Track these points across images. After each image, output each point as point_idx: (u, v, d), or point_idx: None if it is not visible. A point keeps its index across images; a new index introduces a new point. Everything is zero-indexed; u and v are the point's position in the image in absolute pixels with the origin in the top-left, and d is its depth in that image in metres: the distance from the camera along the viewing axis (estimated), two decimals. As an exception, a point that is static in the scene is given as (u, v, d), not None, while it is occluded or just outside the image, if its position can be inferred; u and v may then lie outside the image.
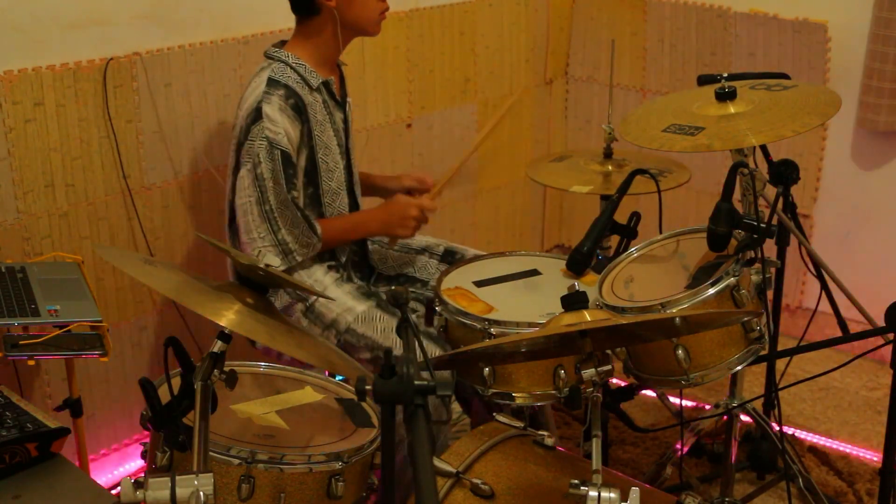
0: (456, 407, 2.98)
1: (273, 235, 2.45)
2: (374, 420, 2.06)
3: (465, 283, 2.51)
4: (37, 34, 2.57)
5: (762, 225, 2.13)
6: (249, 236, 2.46)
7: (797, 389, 3.42)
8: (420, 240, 2.82)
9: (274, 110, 2.42)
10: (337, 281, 2.59)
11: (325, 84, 2.56)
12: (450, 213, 3.82)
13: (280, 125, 2.42)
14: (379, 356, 2.44)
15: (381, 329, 2.46)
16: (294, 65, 2.50)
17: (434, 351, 2.36)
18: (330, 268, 2.61)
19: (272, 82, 2.46)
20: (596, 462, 1.67)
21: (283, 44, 2.58)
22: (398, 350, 2.38)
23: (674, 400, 3.12)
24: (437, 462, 1.96)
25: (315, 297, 2.52)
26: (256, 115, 2.43)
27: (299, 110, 2.47)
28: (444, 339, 2.40)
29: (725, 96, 2.25)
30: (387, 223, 2.62)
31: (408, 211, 2.59)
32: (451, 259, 2.74)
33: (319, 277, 2.57)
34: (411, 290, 2.72)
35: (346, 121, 2.65)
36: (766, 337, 2.16)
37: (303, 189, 2.54)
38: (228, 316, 1.70)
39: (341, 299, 2.52)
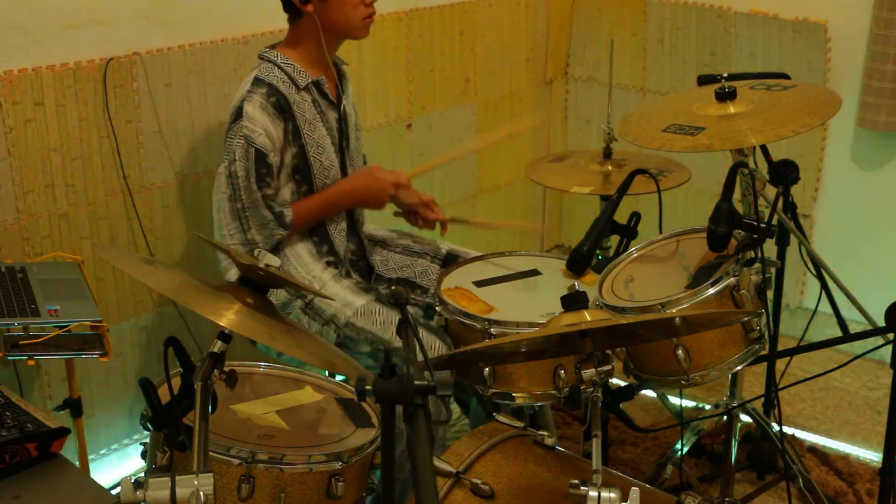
0: (455, 408, 2.98)
1: (243, 234, 2.46)
2: (374, 420, 2.06)
3: (465, 283, 2.51)
4: (37, 34, 2.57)
5: (762, 225, 2.12)
6: (220, 233, 2.47)
7: (797, 389, 3.42)
8: (424, 242, 2.82)
9: (254, 108, 2.43)
10: (335, 277, 2.59)
11: (316, 84, 2.56)
12: (450, 213, 3.80)
13: (259, 122, 2.43)
14: (378, 349, 2.44)
15: (381, 322, 2.46)
16: (282, 65, 2.51)
17: (435, 343, 2.36)
18: (328, 264, 2.61)
19: (257, 81, 2.48)
20: (596, 462, 1.67)
21: (277, 44, 2.59)
22: (398, 342, 2.38)
23: (674, 400, 3.12)
24: (437, 462, 1.96)
25: (314, 294, 2.52)
26: (237, 113, 2.45)
27: (281, 108, 2.47)
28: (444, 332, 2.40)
29: (725, 96, 2.25)
30: (360, 199, 2.66)
31: (385, 190, 2.64)
32: (452, 264, 2.73)
33: (318, 274, 2.57)
34: (411, 297, 2.72)
35: (340, 120, 2.65)
36: (766, 337, 2.16)
37: (296, 187, 2.55)
38: (228, 316, 1.70)
39: (340, 294, 2.52)
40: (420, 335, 2.33)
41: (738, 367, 2.15)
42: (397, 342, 2.39)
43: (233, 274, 1.85)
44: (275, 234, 2.50)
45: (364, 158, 2.87)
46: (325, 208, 2.61)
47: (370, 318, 2.47)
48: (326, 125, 2.59)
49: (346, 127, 2.67)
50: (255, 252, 1.84)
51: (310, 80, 2.54)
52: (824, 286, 2.53)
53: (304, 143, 2.53)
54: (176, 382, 1.76)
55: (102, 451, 2.93)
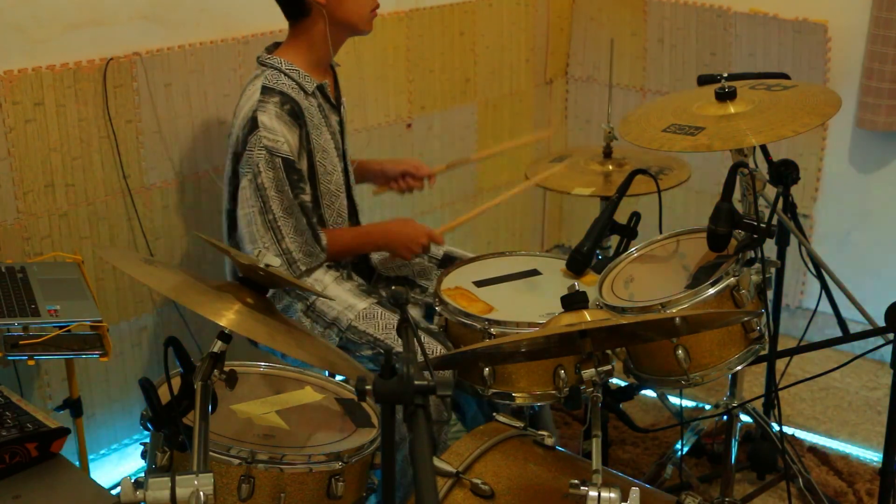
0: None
1: (277, 245, 2.45)
2: (374, 420, 2.06)
3: (465, 283, 2.51)
4: (37, 34, 2.57)
5: (762, 225, 2.13)
6: (254, 246, 2.46)
7: (797, 389, 3.42)
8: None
9: (270, 118, 2.42)
10: (337, 279, 2.59)
11: (320, 88, 2.56)
12: (450, 213, 3.82)
13: (278, 132, 2.42)
14: (380, 353, 2.44)
15: (383, 326, 2.46)
16: (287, 71, 2.49)
17: (435, 347, 2.36)
18: (329, 266, 2.61)
19: (266, 90, 2.45)
20: (596, 462, 1.68)
21: (275, 47, 2.57)
22: (400, 346, 2.39)
23: (674, 400, 3.12)
24: (437, 462, 1.96)
25: (316, 296, 2.52)
26: (252, 124, 2.42)
27: (296, 115, 2.46)
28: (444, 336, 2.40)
29: (725, 96, 2.24)
30: (392, 243, 2.63)
31: (418, 238, 2.60)
32: (450, 264, 2.73)
33: (319, 276, 2.57)
34: (411, 296, 2.72)
35: (341, 123, 2.65)
36: (766, 337, 2.17)
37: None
38: (228, 316, 1.70)
39: (342, 297, 2.52)
40: (420, 337, 2.35)
41: (738, 367, 2.15)
42: (399, 346, 2.39)
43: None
44: (312, 247, 2.49)
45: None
46: (358, 240, 2.64)
47: (372, 322, 2.47)
48: (330, 129, 2.59)
49: (344, 130, 2.67)
50: (256, 252, 1.84)
51: (315, 85, 2.54)
52: (824, 286, 2.53)
53: (312, 149, 2.53)
54: (176, 382, 1.76)
55: (102, 451, 2.93)
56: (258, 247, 2.45)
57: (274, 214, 2.44)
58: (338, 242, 2.57)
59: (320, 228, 2.53)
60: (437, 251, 2.80)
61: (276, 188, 2.42)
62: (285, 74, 2.49)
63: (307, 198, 2.48)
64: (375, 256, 2.79)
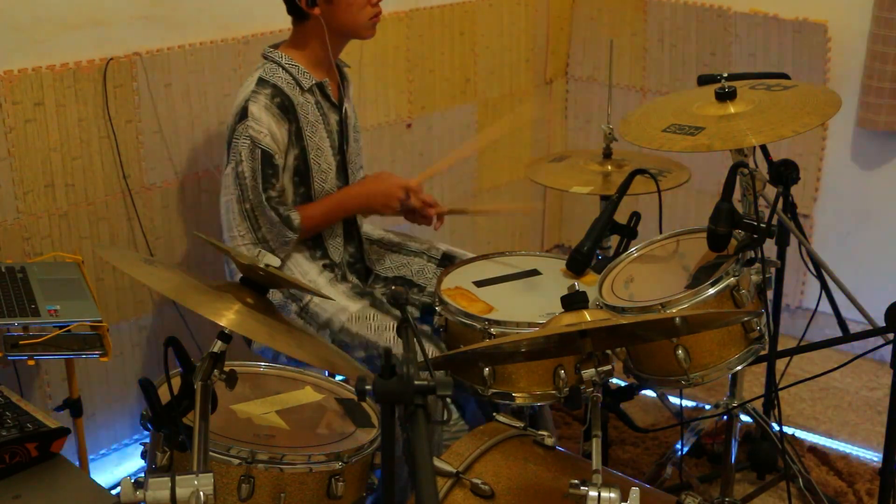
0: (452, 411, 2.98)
1: (253, 234, 2.47)
2: (374, 420, 2.06)
3: (465, 283, 2.51)
4: (37, 34, 2.57)
5: (762, 225, 2.12)
6: (230, 234, 2.48)
7: (797, 389, 3.42)
8: (420, 241, 2.82)
9: (259, 109, 2.43)
10: (331, 281, 2.59)
11: (319, 86, 2.56)
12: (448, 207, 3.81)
13: (264, 124, 2.43)
14: (373, 355, 2.44)
15: (375, 328, 2.46)
16: (287, 66, 2.51)
17: (429, 348, 2.36)
18: (325, 267, 2.61)
19: (261, 82, 2.47)
20: (596, 462, 1.67)
21: (281, 44, 2.58)
22: (393, 348, 2.39)
23: (674, 400, 3.11)
24: (437, 462, 1.96)
25: (309, 298, 2.52)
26: (242, 113, 2.44)
27: (286, 109, 2.47)
28: (440, 337, 2.40)
29: (725, 96, 2.24)
30: (369, 203, 2.63)
31: (393, 192, 2.59)
32: (450, 264, 2.73)
33: (314, 278, 2.57)
34: (410, 296, 2.72)
35: (341, 123, 2.65)
36: (766, 337, 2.17)
37: (294, 188, 2.55)
38: (228, 316, 1.70)
39: (335, 299, 2.52)
40: (420, 338, 2.35)
41: (738, 367, 2.15)
42: (392, 347, 2.39)
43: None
44: (285, 235, 2.50)
45: (361, 164, 2.87)
46: (333, 212, 2.61)
47: (364, 324, 2.47)
48: (327, 127, 2.59)
49: (346, 129, 2.67)
50: (256, 252, 1.84)
51: (314, 82, 2.54)
52: (824, 286, 2.53)
53: (306, 146, 2.53)
54: (176, 382, 1.76)
55: (102, 451, 2.93)
56: (234, 235, 2.47)
57: (251, 203, 2.45)
58: (311, 217, 2.56)
59: (293, 207, 2.53)
60: (437, 249, 2.80)
61: (254, 178, 2.44)
62: (284, 69, 2.50)
63: (274, 193, 2.47)
64: (374, 258, 2.78)
